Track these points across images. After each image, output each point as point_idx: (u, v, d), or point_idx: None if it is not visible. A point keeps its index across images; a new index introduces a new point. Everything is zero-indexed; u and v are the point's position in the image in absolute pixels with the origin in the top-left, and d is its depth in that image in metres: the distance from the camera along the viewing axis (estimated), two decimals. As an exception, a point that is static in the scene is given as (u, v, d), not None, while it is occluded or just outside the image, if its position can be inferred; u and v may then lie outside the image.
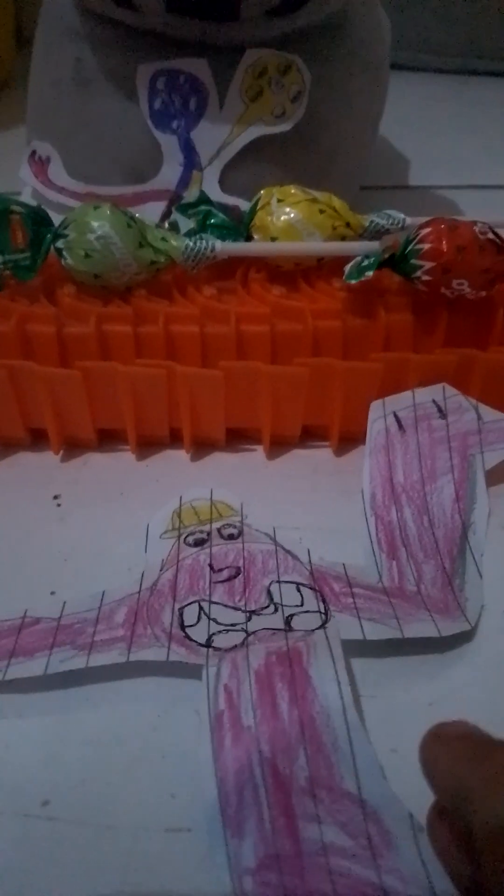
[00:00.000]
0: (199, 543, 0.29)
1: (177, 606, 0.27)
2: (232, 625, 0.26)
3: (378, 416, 0.33)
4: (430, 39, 0.70)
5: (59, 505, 0.32)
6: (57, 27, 0.43)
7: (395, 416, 0.32)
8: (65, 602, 0.28)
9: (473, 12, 0.69)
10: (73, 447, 0.35)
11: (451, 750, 0.20)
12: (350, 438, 0.35)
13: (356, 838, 0.20)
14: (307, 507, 0.32)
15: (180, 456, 0.35)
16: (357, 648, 0.26)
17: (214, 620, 0.26)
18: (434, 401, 0.32)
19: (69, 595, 0.29)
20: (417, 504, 0.30)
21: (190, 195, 0.36)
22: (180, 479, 0.34)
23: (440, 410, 0.32)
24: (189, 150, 0.41)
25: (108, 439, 0.35)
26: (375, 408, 0.33)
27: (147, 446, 0.35)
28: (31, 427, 0.34)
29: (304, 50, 0.39)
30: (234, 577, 0.28)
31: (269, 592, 0.27)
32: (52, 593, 0.29)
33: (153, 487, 0.33)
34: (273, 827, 0.21)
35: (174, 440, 0.35)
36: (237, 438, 0.35)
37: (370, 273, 0.31)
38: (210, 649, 0.25)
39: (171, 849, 0.22)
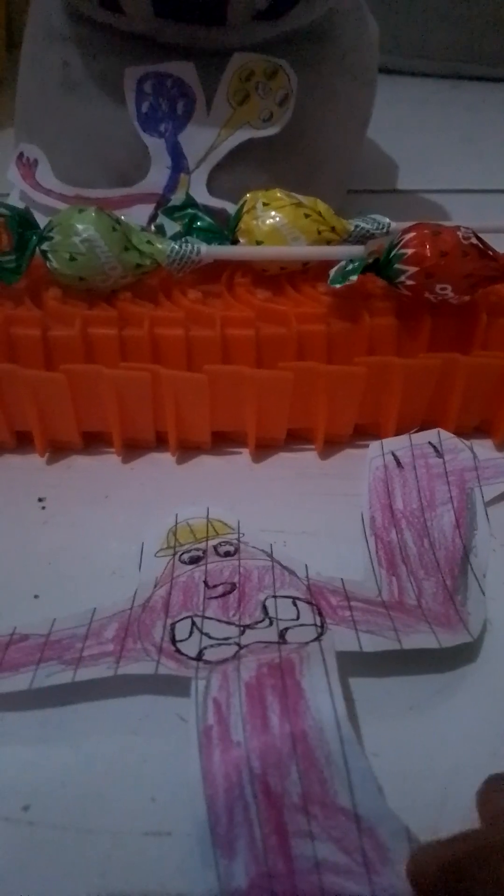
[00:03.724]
0: (194, 561, 0.29)
1: (169, 622, 0.26)
2: (225, 639, 0.26)
3: (376, 454, 0.33)
4: (420, 44, 0.71)
5: (43, 508, 0.32)
6: (44, 30, 0.43)
7: (394, 455, 0.33)
8: (54, 619, 0.27)
9: (463, 16, 0.69)
10: (58, 450, 0.35)
11: (431, 851, 0.20)
12: (335, 441, 0.35)
13: (350, 854, 0.20)
14: (292, 510, 0.32)
15: (166, 459, 0.35)
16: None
17: (207, 635, 0.26)
18: (430, 442, 0.33)
19: (53, 598, 0.29)
20: (417, 528, 0.30)
21: (176, 198, 0.36)
22: (166, 482, 0.34)
23: (437, 450, 0.33)
24: (177, 154, 0.41)
25: (93, 442, 0.35)
26: (374, 448, 0.33)
27: (132, 449, 0.35)
28: (16, 430, 0.34)
29: (291, 54, 0.40)
30: (229, 592, 0.27)
31: (264, 607, 0.27)
32: (36, 597, 0.29)
33: (138, 490, 0.33)
34: (265, 845, 0.20)
35: (160, 443, 0.35)
36: (223, 441, 0.35)
37: (354, 277, 0.31)
38: (200, 662, 0.25)
39: (151, 852, 0.22)
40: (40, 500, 0.33)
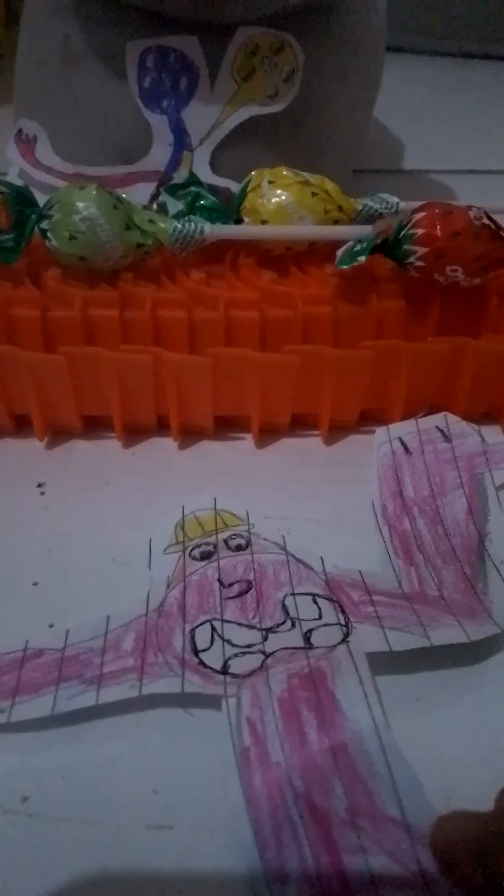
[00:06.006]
0: (205, 557, 0.28)
1: (187, 628, 0.25)
2: (248, 646, 0.25)
3: (383, 440, 0.33)
4: (427, 22, 0.69)
5: (42, 493, 0.32)
6: (45, 2, 0.41)
7: (401, 440, 0.32)
8: (68, 630, 0.26)
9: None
10: (57, 434, 0.34)
11: (458, 823, 0.20)
12: (340, 427, 0.35)
13: (405, 864, 0.20)
14: (297, 497, 0.32)
15: (167, 444, 0.34)
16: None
17: (229, 642, 0.25)
18: (437, 427, 0.33)
19: (52, 585, 0.28)
20: (430, 515, 0.30)
21: (179, 176, 0.35)
22: (167, 468, 0.33)
23: (444, 435, 0.32)
24: (179, 131, 0.40)
25: (93, 426, 0.34)
26: (380, 433, 0.33)
27: (134, 433, 0.34)
28: (15, 413, 0.33)
29: (298, 29, 0.39)
30: (246, 591, 0.27)
31: (283, 606, 0.26)
32: (35, 584, 0.28)
33: (140, 476, 0.33)
34: (317, 865, 0.20)
35: (161, 427, 0.34)
36: (226, 426, 0.35)
37: (362, 258, 0.30)
38: (227, 676, 0.24)
39: (153, 846, 0.21)
40: (39, 485, 0.32)
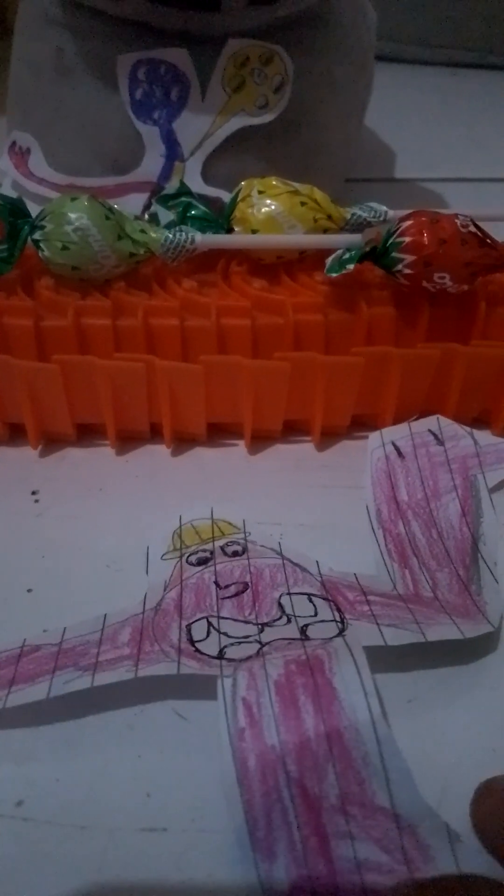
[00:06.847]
0: (202, 562, 0.28)
1: (184, 624, 0.26)
2: (244, 637, 0.25)
3: (377, 445, 0.33)
4: (417, 31, 0.70)
5: (36, 501, 0.32)
6: (38, 15, 0.42)
7: (394, 444, 0.33)
8: (65, 628, 0.26)
9: (460, 4, 0.68)
10: (51, 442, 0.34)
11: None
12: (332, 433, 0.35)
13: (391, 853, 0.20)
14: (290, 503, 0.32)
15: (161, 451, 0.35)
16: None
17: (225, 634, 0.25)
18: (430, 430, 0.33)
19: (47, 592, 0.28)
20: (424, 519, 0.30)
21: (171, 187, 0.36)
22: (161, 475, 0.33)
23: (437, 438, 0.32)
24: (171, 141, 0.40)
25: (87, 434, 0.35)
26: (374, 438, 0.33)
27: (127, 441, 0.35)
28: (9, 422, 0.34)
29: (287, 40, 0.39)
30: (242, 591, 0.27)
31: (279, 605, 0.26)
32: (29, 591, 0.28)
33: (133, 483, 0.33)
34: (305, 848, 0.20)
35: (154, 435, 0.35)
36: (218, 433, 0.35)
37: (351, 266, 0.30)
38: (223, 661, 0.24)
39: (147, 849, 0.22)
40: (33, 493, 0.32)
